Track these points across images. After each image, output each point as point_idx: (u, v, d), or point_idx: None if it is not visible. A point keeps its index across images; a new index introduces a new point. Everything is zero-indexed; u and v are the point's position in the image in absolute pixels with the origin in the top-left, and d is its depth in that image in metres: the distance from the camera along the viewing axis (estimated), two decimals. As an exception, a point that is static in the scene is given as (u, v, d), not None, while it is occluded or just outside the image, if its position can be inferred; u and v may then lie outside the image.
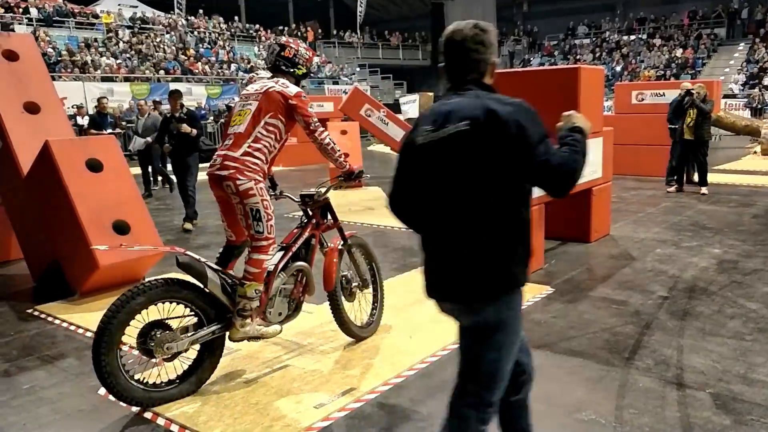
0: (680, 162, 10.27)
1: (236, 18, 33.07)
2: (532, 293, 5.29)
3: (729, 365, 3.81)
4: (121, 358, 3.39)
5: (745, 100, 23.53)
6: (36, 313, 5.28)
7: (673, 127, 10.15)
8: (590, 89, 6.21)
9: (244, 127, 3.75)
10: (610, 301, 5.05)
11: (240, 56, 29.41)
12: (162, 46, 26.36)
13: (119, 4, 28.50)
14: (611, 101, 15.40)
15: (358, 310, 4.45)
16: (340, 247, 4.25)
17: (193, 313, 3.64)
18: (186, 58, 26.31)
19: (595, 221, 7.00)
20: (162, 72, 24.27)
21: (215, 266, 3.75)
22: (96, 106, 13.25)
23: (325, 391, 3.64)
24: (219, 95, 25.04)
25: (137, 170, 11.35)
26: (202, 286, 3.61)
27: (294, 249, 4.01)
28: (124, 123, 18.79)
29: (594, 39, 35.67)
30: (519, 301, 2.27)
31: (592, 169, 6.61)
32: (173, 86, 18.41)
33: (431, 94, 21.74)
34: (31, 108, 6.26)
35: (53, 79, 8.11)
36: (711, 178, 10.57)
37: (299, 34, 35.02)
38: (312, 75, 30.49)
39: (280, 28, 34.45)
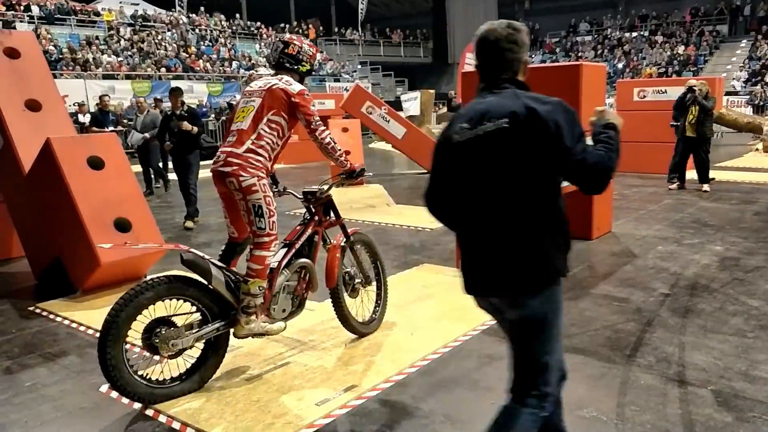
0: (682, 159, 10.25)
1: (237, 15, 33.05)
2: (533, 290, 5.28)
3: (731, 362, 3.81)
4: (126, 353, 3.40)
5: (747, 97, 23.50)
6: (38, 311, 5.28)
7: (675, 124, 10.13)
8: (592, 86, 6.20)
9: (247, 124, 3.76)
10: (612, 299, 5.05)
11: (241, 54, 29.39)
12: (163, 43, 26.35)
13: (120, 2, 28.49)
14: (613, 98, 15.38)
15: (360, 306, 4.46)
16: (342, 244, 4.26)
17: (197, 310, 3.65)
18: (187, 55, 26.30)
19: (597, 218, 6.99)
20: (163, 70, 24.28)
21: (219, 263, 3.76)
22: (98, 104, 13.26)
23: (326, 388, 3.64)
24: (220, 93, 25.04)
25: (138, 168, 11.36)
26: (206, 283, 3.62)
27: (297, 246, 4.02)
28: (125, 121, 18.79)
29: (596, 36, 35.61)
30: (561, 291, 2.32)
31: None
32: (174, 84, 18.43)
33: (432, 91, 21.67)
34: (33, 106, 6.26)
35: (54, 76, 8.12)
36: (712, 175, 10.56)
37: (301, 31, 34.97)
38: (313, 72, 30.46)
39: (282, 25, 34.42)
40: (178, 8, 30.44)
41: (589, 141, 2.23)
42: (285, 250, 3.98)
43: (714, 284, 5.34)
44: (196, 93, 23.75)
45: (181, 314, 3.61)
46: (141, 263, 5.88)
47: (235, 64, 27.81)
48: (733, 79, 26.90)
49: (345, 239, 4.30)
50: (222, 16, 31.86)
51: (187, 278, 3.60)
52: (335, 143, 3.96)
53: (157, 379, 3.55)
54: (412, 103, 20.35)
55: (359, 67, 34.60)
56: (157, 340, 3.45)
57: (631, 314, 4.70)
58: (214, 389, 3.67)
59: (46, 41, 21.64)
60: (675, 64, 29.67)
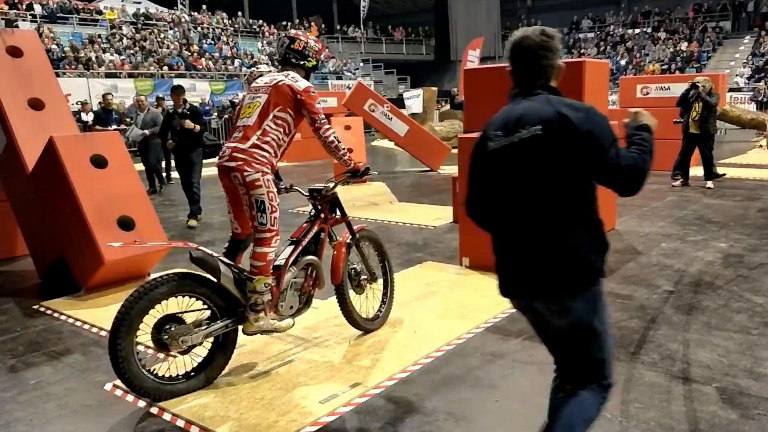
0: (685, 156, 10.22)
1: (240, 13, 33.03)
2: (537, 288, 5.28)
3: (735, 359, 3.80)
4: (136, 345, 3.42)
5: (751, 93, 23.42)
6: (42, 309, 5.29)
7: (678, 120, 10.10)
8: (595, 83, 6.17)
9: (253, 119, 3.78)
10: (615, 296, 5.04)
11: (243, 52, 29.39)
12: (165, 42, 26.36)
13: (122, 1, 28.49)
14: (616, 95, 15.35)
15: (365, 302, 4.47)
16: (348, 241, 4.28)
17: (206, 307, 3.68)
18: (189, 53, 26.30)
19: (600, 215, 6.97)
20: (166, 68, 24.28)
21: (227, 260, 3.79)
22: (100, 102, 13.27)
23: (330, 385, 3.64)
24: (222, 91, 25.04)
25: (141, 166, 11.37)
26: (215, 280, 3.64)
27: (304, 243, 4.04)
28: (128, 119, 18.81)
29: (598, 33, 35.53)
30: (602, 290, 2.35)
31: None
32: (177, 82, 18.43)
33: (435, 88, 21.66)
34: (36, 104, 6.27)
35: (57, 75, 8.12)
36: (723, 171, 10.52)
37: (303, 29, 34.96)
38: (318, 69, 30.44)
39: (284, 23, 34.40)
40: (180, 6, 30.44)
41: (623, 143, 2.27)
42: (292, 247, 4.00)
43: (718, 281, 5.33)
44: (198, 91, 23.75)
45: (191, 311, 3.63)
46: (145, 261, 5.89)
47: (237, 62, 27.81)
48: (737, 75, 26.82)
49: (351, 236, 4.32)
50: (224, 14, 31.86)
51: (198, 275, 3.63)
52: (339, 142, 3.96)
53: (164, 376, 3.57)
54: (415, 100, 20.36)
55: (361, 64, 34.58)
56: (167, 337, 3.47)
57: (634, 311, 4.69)
58: (218, 387, 3.67)
59: (49, 40, 21.64)
60: (678, 61, 29.59)
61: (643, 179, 2.22)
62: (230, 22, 31.77)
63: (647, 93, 12.32)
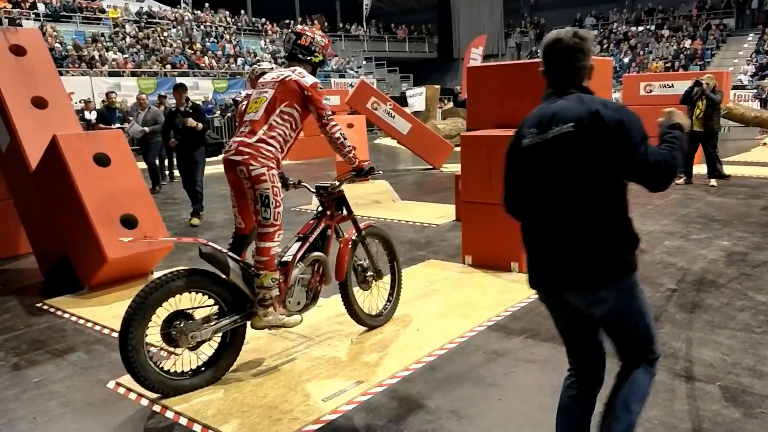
0: (688, 154, 10.19)
1: (242, 12, 33.03)
2: (539, 286, 5.27)
3: (738, 358, 3.79)
4: (146, 336, 3.44)
5: (755, 91, 23.32)
6: (45, 307, 5.31)
7: None
8: (598, 81, 6.11)
9: (260, 114, 3.80)
10: (619, 294, 5.02)
11: (246, 50, 29.39)
12: (168, 40, 26.38)
13: (126, -1, 28.56)
14: (619, 93, 15.30)
15: (369, 298, 4.51)
16: (354, 238, 4.32)
17: (215, 303, 3.71)
18: (192, 52, 26.31)
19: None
20: (169, 66, 24.29)
21: (236, 257, 3.82)
22: (104, 101, 13.28)
23: (333, 383, 3.65)
24: (225, 89, 25.04)
25: (143, 164, 11.39)
26: (224, 276, 3.68)
27: (311, 240, 4.08)
28: (131, 118, 18.83)
29: (601, 30, 35.44)
30: (636, 279, 2.43)
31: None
32: (179, 80, 18.45)
33: (438, 86, 21.63)
34: (39, 103, 6.28)
35: (60, 74, 8.12)
36: (728, 171, 10.49)
37: (307, 26, 34.92)
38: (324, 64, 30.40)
39: (287, 21, 34.39)
40: (183, 5, 30.44)
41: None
42: (299, 243, 4.04)
43: (721, 279, 5.31)
44: (201, 90, 23.75)
45: (200, 307, 3.66)
46: (148, 260, 5.89)
47: (240, 60, 27.81)
48: (740, 73, 26.72)
49: (357, 233, 4.35)
50: (227, 13, 31.86)
51: (207, 272, 3.66)
52: (345, 139, 3.98)
53: (169, 370, 3.59)
54: (417, 98, 20.32)
55: (364, 62, 34.54)
56: (176, 333, 3.50)
57: (637, 310, 4.68)
58: (221, 385, 3.68)
59: (52, 39, 21.67)
60: (681, 59, 29.50)
61: (671, 175, 2.29)
62: (233, 20, 31.77)
63: (650, 91, 12.29)
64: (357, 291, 4.38)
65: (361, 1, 35.89)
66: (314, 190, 4.23)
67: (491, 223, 5.81)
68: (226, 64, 27.01)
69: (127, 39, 25.15)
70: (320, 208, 4.23)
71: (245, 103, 5.40)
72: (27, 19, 22.99)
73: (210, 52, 27.25)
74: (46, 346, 4.48)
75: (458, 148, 6.42)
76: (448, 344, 4.16)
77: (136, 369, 3.40)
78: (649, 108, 11.74)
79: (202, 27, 29.48)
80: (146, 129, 11.31)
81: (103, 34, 24.55)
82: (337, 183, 4.25)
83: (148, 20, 27.53)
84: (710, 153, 10.02)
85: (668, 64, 29.02)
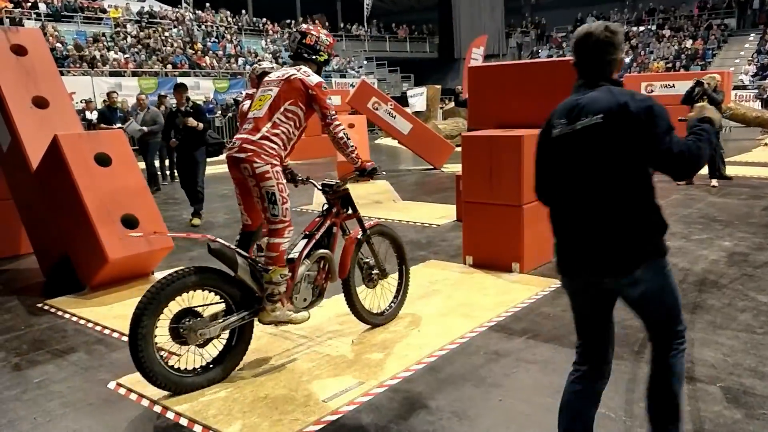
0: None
1: (243, 11, 33.03)
2: (540, 286, 5.27)
3: (740, 359, 3.79)
4: (156, 328, 3.47)
5: (756, 91, 23.30)
6: (46, 308, 5.31)
7: (683, 119, 10.06)
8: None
9: (263, 111, 3.81)
10: (620, 295, 5.02)
11: (247, 50, 29.39)
12: (169, 40, 26.38)
13: (127, -1, 28.57)
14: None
15: (374, 297, 4.55)
16: (359, 237, 4.36)
17: (223, 300, 3.74)
18: (193, 52, 26.31)
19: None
20: (170, 66, 24.29)
21: (244, 253, 3.84)
22: (105, 101, 13.28)
23: (334, 384, 3.64)
24: (226, 89, 25.04)
25: (143, 164, 11.39)
26: (232, 272, 3.71)
27: (317, 237, 4.11)
28: (131, 118, 18.84)
29: (603, 30, 35.37)
30: (667, 261, 2.53)
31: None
32: (180, 80, 18.45)
33: (439, 86, 21.61)
34: (40, 103, 6.28)
35: (61, 73, 8.13)
36: (731, 173, 10.48)
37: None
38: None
39: (288, 21, 34.39)
40: (184, 5, 30.45)
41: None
42: (305, 241, 4.07)
43: (723, 280, 5.31)
44: (202, 89, 23.76)
45: (209, 304, 3.69)
46: (148, 260, 5.89)
47: (241, 60, 27.81)
48: (742, 73, 26.70)
49: (362, 232, 4.39)
50: (228, 13, 31.86)
51: (216, 269, 3.70)
52: (348, 139, 4.00)
53: (172, 366, 3.60)
54: (418, 98, 20.31)
55: (365, 62, 34.53)
56: (185, 330, 3.53)
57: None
58: (221, 386, 3.67)
59: (53, 38, 21.68)
60: (683, 59, 29.48)
61: (694, 165, 2.40)
62: (234, 20, 31.77)
63: (652, 91, 12.29)
64: (362, 289, 4.44)
65: (362, 1, 35.89)
66: (320, 187, 4.28)
67: (492, 223, 5.81)
68: (227, 64, 27.01)
69: (128, 39, 25.16)
70: (326, 206, 4.27)
71: (247, 102, 5.40)
72: (28, 18, 23.01)
73: (211, 51, 27.26)
74: (47, 347, 4.48)
75: (459, 149, 6.41)
76: (449, 345, 4.16)
77: (143, 360, 3.41)
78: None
79: (203, 27, 29.48)
80: (144, 129, 11.30)
81: (104, 34, 24.56)
82: (342, 182, 4.29)
83: (149, 20, 27.54)
84: (711, 153, 9.99)
85: (669, 64, 29.01)
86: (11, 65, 6.26)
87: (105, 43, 23.97)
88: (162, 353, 3.57)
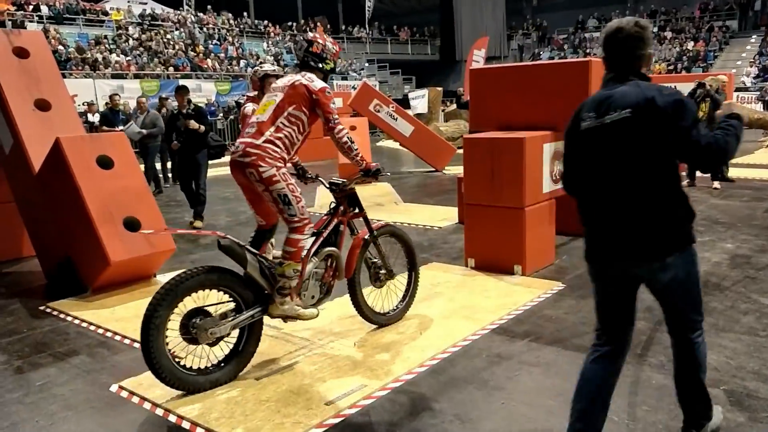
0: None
1: (245, 14, 33.09)
2: (543, 289, 5.27)
3: (743, 361, 3.78)
4: (169, 321, 3.50)
5: (758, 93, 23.27)
6: (48, 310, 5.31)
7: None
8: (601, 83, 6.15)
9: (267, 116, 3.86)
10: (622, 297, 5.01)
11: (249, 52, 29.42)
12: (171, 42, 26.42)
13: (128, 1, 28.57)
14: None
15: (378, 297, 4.59)
16: (366, 237, 4.42)
17: (233, 300, 3.78)
18: (195, 54, 26.35)
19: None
20: (171, 69, 24.33)
21: (253, 250, 3.90)
22: (107, 103, 13.29)
23: (335, 388, 3.64)
24: (228, 91, 25.08)
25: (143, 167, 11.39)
26: (242, 268, 3.77)
27: (324, 234, 4.17)
28: (131, 121, 18.85)
29: (604, 32, 35.39)
30: (695, 249, 2.64)
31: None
32: (182, 83, 18.46)
33: (440, 88, 21.62)
34: (42, 105, 6.29)
35: (64, 76, 8.15)
36: (734, 175, 10.46)
37: (308, 29, 34.93)
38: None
39: (289, 23, 34.43)
40: (185, 7, 30.49)
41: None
42: (313, 238, 4.11)
43: (725, 282, 5.30)
44: (204, 92, 23.80)
45: (217, 303, 3.73)
46: (150, 263, 5.89)
47: (242, 62, 27.84)
48: (743, 74, 26.69)
49: (369, 233, 4.44)
50: (229, 15, 31.91)
51: (226, 269, 3.75)
52: (352, 142, 4.04)
53: (180, 362, 3.61)
54: (420, 100, 20.32)
55: (366, 65, 34.55)
56: (195, 330, 3.56)
57: (641, 313, 4.64)
58: (223, 390, 3.67)
59: (55, 41, 21.72)
60: (684, 60, 29.47)
61: (721, 157, 2.51)
62: (236, 22, 31.80)
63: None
64: (371, 290, 4.51)
65: (364, 3, 35.92)
66: (328, 186, 4.35)
67: (494, 225, 5.81)
68: (228, 66, 27.04)
69: (130, 41, 25.21)
70: (334, 204, 4.33)
71: (249, 105, 5.43)
72: (30, 21, 23.05)
73: (213, 54, 27.29)
74: (49, 349, 4.48)
75: (461, 151, 6.41)
76: (451, 347, 4.15)
77: (152, 349, 3.42)
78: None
79: (204, 29, 29.51)
80: (144, 131, 11.31)
81: (106, 37, 24.61)
82: (348, 181, 4.35)
83: (151, 22, 27.59)
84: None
85: (671, 66, 29.00)
86: (13, 68, 6.28)
87: (107, 45, 24.02)
88: (171, 350, 3.58)
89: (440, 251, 6.82)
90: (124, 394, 3.72)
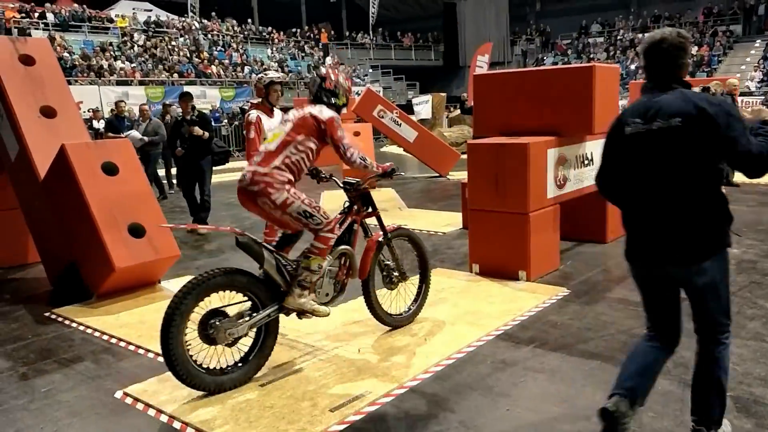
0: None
1: (249, 20, 33.19)
2: (548, 295, 5.25)
3: (750, 368, 3.75)
4: (192, 313, 3.55)
5: (762, 97, 23.22)
6: (53, 317, 5.31)
7: None
8: (605, 88, 6.15)
9: (275, 145, 3.94)
10: (627, 302, 4.99)
11: (253, 58, 29.53)
12: (176, 49, 26.53)
13: (134, 8, 28.73)
14: (626, 100, 15.27)
15: (391, 299, 4.64)
16: (380, 239, 4.50)
17: (247, 299, 3.84)
18: (200, 60, 26.45)
19: (611, 221, 6.93)
20: (176, 75, 24.42)
21: (270, 247, 3.98)
22: (112, 110, 13.35)
23: (340, 394, 3.63)
24: (233, 98, 25.14)
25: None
26: (258, 265, 3.85)
27: (338, 233, 4.21)
28: (134, 127, 18.90)
29: (608, 37, 35.42)
30: (728, 253, 2.74)
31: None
32: (187, 89, 18.52)
33: (444, 94, 21.66)
34: (48, 112, 6.32)
35: (69, 83, 8.17)
36: (738, 181, 10.43)
37: (312, 36, 35.06)
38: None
39: (293, 30, 34.54)
40: (190, 14, 30.62)
41: None
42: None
43: (731, 288, 5.25)
44: (208, 98, 23.88)
45: (233, 304, 3.78)
46: (155, 269, 5.90)
47: (247, 68, 27.93)
48: (748, 79, 26.63)
49: (383, 235, 4.52)
50: (234, 21, 32.03)
51: (244, 271, 3.80)
52: (363, 159, 4.12)
53: (195, 360, 3.62)
54: (424, 106, 20.35)
55: (370, 70, 34.62)
56: (213, 331, 3.60)
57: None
58: (227, 396, 3.66)
59: (61, 48, 21.84)
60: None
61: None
62: (240, 29, 31.93)
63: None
64: (384, 292, 4.58)
65: (367, 10, 36.02)
66: (342, 185, 4.43)
67: (498, 231, 5.80)
68: (233, 73, 27.13)
69: (135, 48, 25.32)
70: (347, 204, 4.40)
71: (253, 112, 5.49)
72: (36, 28, 23.19)
73: (217, 60, 27.39)
74: (54, 356, 4.49)
75: (465, 156, 6.41)
76: (456, 353, 4.14)
77: (171, 339, 3.44)
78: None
79: (209, 36, 29.64)
80: (145, 138, 11.35)
81: (111, 44, 24.73)
82: (361, 181, 4.44)
83: (156, 29, 27.71)
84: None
85: (675, 71, 28.89)
86: (19, 75, 6.31)
87: (112, 52, 24.13)
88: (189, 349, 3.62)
89: (444, 257, 6.81)
90: (129, 400, 3.72)
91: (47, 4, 25.20)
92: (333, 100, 4.17)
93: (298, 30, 34.86)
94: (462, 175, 10.13)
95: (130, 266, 5.53)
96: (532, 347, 4.21)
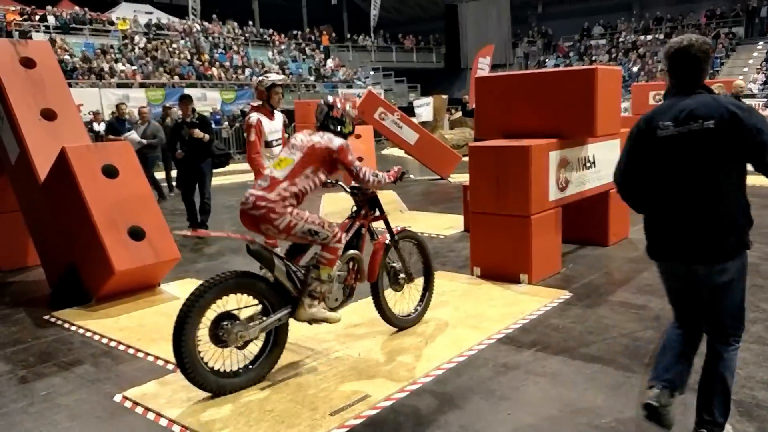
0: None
1: (250, 23, 33.22)
2: (549, 298, 5.23)
3: (752, 371, 3.73)
4: (208, 310, 3.58)
5: (765, 100, 23.18)
6: (53, 320, 5.30)
7: None
8: (607, 90, 6.14)
9: (283, 174, 3.94)
10: (629, 306, 4.98)
11: (254, 61, 29.55)
12: (177, 51, 26.55)
13: (135, 11, 28.75)
14: (628, 102, 15.25)
15: (396, 301, 4.67)
16: (387, 242, 4.53)
17: (258, 302, 3.86)
18: (201, 63, 26.47)
19: (613, 224, 6.92)
20: (177, 77, 24.43)
21: (280, 254, 4.02)
22: (113, 112, 13.34)
23: (340, 397, 3.61)
24: (233, 100, 25.15)
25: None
26: (269, 272, 3.86)
27: (346, 240, 4.24)
28: (133, 129, 18.89)
29: (610, 39, 35.41)
30: (747, 254, 2.83)
31: (610, 170, 6.53)
32: (188, 91, 18.51)
33: (445, 96, 21.64)
34: (48, 115, 6.31)
35: (70, 85, 8.17)
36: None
37: (313, 38, 35.08)
38: (326, 79, 30.59)
39: (294, 32, 34.56)
40: (191, 16, 30.65)
41: None
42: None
43: (733, 291, 5.24)
44: (209, 100, 23.86)
45: (244, 307, 3.80)
46: (155, 272, 5.89)
47: (248, 71, 27.95)
48: (750, 81, 26.59)
49: (390, 238, 4.55)
50: (235, 24, 32.05)
51: (254, 274, 3.86)
52: (375, 176, 4.17)
53: (205, 362, 3.63)
54: (425, 108, 20.34)
55: (372, 73, 34.62)
56: (224, 333, 3.62)
57: (649, 321, 4.63)
58: (227, 399, 3.65)
59: (62, 51, 21.85)
60: (690, 67, 29.35)
61: None
62: (241, 31, 31.95)
63: (660, 99, 12.23)
64: (390, 293, 4.60)
65: (369, 12, 36.05)
66: (349, 190, 4.46)
67: (500, 234, 5.78)
68: (234, 75, 27.14)
69: (136, 50, 25.33)
70: (355, 208, 4.43)
71: (253, 115, 5.49)
72: (37, 31, 23.21)
73: (218, 62, 27.40)
74: (53, 359, 4.47)
75: (466, 158, 6.40)
76: (457, 357, 4.13)
77: (184, 334, 3.45)
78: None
79: (210, 38, 29.65)
80: (144, 141, 11.34)
81: (112, 46, 24.74)
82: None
83: (157, 32, 27.73)
84: None
85: (677, 73, 28.86)
86: (20, 78, 6.30)
87: (113, 55, 24.14)
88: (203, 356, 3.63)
89: (446, 260, 6.79)
90: (128, 403, 3.71)
91: (48, 7, 25.22)
92: (339, 128, 4.19)
93: (299, 32, 34.88)
94: (463, 178, 10.12)
95: (129, 269, 5.52)
96: (533, 351, 4.19)
